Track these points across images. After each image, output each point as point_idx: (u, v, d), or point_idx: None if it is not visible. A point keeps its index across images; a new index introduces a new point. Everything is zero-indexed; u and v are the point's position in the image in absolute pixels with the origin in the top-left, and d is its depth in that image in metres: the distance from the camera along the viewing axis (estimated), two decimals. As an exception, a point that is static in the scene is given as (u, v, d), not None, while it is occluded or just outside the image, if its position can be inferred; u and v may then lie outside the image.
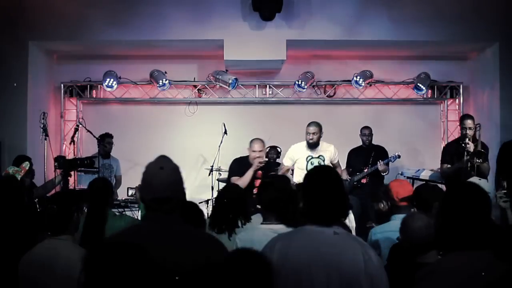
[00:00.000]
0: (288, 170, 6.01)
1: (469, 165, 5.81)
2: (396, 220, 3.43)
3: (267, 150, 7.80)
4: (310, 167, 5.68)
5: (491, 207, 2.09)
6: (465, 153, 5.89)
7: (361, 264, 2.18)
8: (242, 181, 5.23)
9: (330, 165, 5.82)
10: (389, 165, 7.34)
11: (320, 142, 5.94)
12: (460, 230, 2.00)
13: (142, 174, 2.21)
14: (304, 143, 5.96)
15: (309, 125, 5.90)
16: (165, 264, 2.03)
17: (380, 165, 6.99)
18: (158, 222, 2.16)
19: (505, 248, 2.34)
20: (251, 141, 5.52)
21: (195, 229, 2.24)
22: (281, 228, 2.89)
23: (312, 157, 5.86)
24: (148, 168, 2.20)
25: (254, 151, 5.41)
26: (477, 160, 5.73)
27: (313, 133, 5.84)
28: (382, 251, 3.29)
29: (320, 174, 2.40)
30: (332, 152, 5.98)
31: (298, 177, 5.75)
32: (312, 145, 5.88)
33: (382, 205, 3.90)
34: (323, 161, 5.84)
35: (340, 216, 2.36)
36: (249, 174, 5.31)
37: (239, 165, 5.51)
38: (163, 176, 2.16)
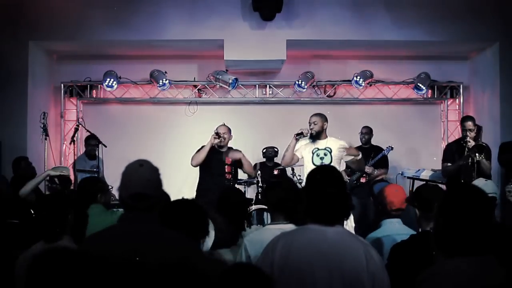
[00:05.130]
0: (292, 154, 5.59)
1: (469, 161, 5.78)
2: (387, 225, 3.42)
3: (264, 151, 7.84)
4: (316, 159, 5.47)
5: (493, 210, 2.06)
6: (466, 150, 5.88)
7: (363, 263, 2.19)
8: (198, 154, 5.90)
9: (337, 157, 5.48)
10: (388, 165, 7.35)
11: (329, 136, 5.58)
12: (461, 234, 1.95)
13: (121, 173, 2.21)
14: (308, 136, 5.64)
15: (311, 116, 5.60)
16: (139, 264, 2.04)
17: (368, 168, 7.01)
18: (134, 221, 2.15)
19: (507, 253, 2.32)
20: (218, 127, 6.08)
21: (171, 230, 2.24)
22: (290, 227, 2.87)
23: (318, 149, 5.48)
24: (128, 166, 2.22)
25: (218, 132, 5.95)
26: (478, 156, 5.69)
27: (313, 122, 5.48)
28: (384, 255, 3.25)
29: (323, 174, 2.41)
30: (341, 146, 5.52)
31: (306, 170, 5.51)
32: (315, 136, 5.49)
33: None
34: (330, 152, 5.45)
35: (342, 216, 2.35)
36: (206, 147, 5.89)
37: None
38: (142, 173, 2.17)
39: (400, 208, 3.44)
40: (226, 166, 5.91)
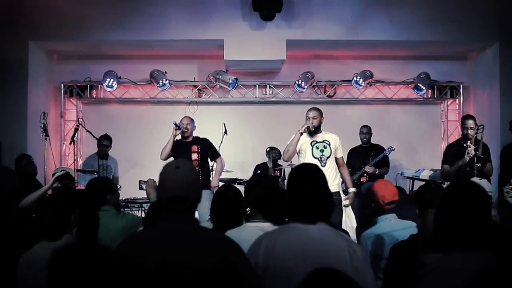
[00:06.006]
0: (295, 148, 5.62)
1: (468, 169, 5.81)
2: (383, 222, 3.43)
3: (268, 150, 7.84)
4: (316, 151, 5.54)
5: (491, 207, 2.08)
6: (466, 153, 5.88)
7: (347, 258, 2.22)
8: (164, 147, 6.26)
9: (335, 153, 5.60)
10: (389, 165, 7.35)
11: (323, 131, 5.68)
12: (460, 230, 1.98)
13: (159, 174, 2.22)
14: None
15: (308, 110, 5.67)
16: (180, 265, 2.03)
17: (368, 168, 7.03)
18: (172, 222, 2.16)
19: (506, 248, 2.33)
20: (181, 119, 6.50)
21: (210, 230, 2.24)
22: (268, 226, 2.90)
23: (317, 142, 5.57)
24: (165, 168, 2.22)
25: (175, 122, 6.37)
26: (477, 165, 5.72)
27: (313, 117, 5.54)
28: (384, 251, 3.26)
29: (304, 173, 2.44)
30: (336, 141, 5.66)
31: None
32: (313, 131, 5.57)
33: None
34: (329, 145, 5.56)
35: (323, 214, 2.36)
36: (170, 140, 6.28)
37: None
38: (179, 175, 2.17)
39: (392, 201, 3.45)
40: (192, 154, 6.27)
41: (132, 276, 2.03)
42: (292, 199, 2.36)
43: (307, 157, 5.53)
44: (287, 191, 2.41)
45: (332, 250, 2.23)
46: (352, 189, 5.70)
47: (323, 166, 5.46)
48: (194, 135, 6.48)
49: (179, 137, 6.36)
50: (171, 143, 6.26)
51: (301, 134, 5.55)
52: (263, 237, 2.37)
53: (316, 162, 5.45)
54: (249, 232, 2.82)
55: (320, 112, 5.64)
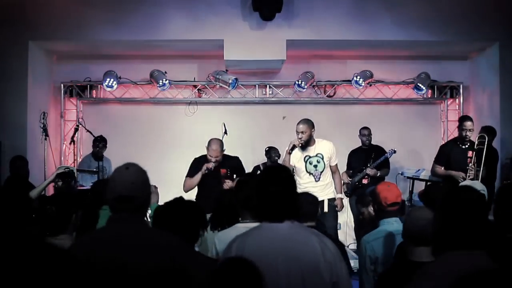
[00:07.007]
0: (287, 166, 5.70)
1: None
2: (385, 225, 3.42)
3: (267, 149, 7.83)
4: (309, 167, 5.54)
5: (488, 208, 2.11)
6: (467, 171, 5.91)
7: (319, 252, 2.26)
8: (191, 182, 5.55)
9: (328, 160, 5.58)
10: (389, 166, 7.35)
11: (316, 140, 5.60)
12: (458, 231, 2.00)
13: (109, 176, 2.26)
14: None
15: (297, 123, 5.58)
16: (127, 265, 2.05)
17: (370, 170, 7.03)
18: (120, 222, 2.18)
19: (499, 247, 2.35)
20: (209, 141, 5.59)
21: (158, 230, 2.27)
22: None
23: (310, 156, 5.53)
24: (115, 169, 2.28)
25: (212, 150, 5.49)
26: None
27: (302, 132, 5.46)
28: (383, 255, 3.26)
29: (268, 174, 2.50)
30: (330, 150, 5.60)
31: (299, 179, 5.57)
32: (304, 145, 5.51)
33: (367, 212, 3.92)
34: (322, 158, 5.52)
35: (289, 214, 2.38)
36: (197, 177, 5.54)
37: (197, 165, 5.61)
38: (127, 175, 2.21)
39: (395, 202, 3.44)
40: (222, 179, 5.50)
41: (81, 276, 2.04)
42: (259, 199, 2.40)
43: (302, 173, 5.56)
44: (255, 192, 2.45)
45: (303, 246, 2.28)
46: (339, 195, 5.73)
47: (317, 181, 5.48)
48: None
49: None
50: (199, 179, 5.52)
51: (290, 153, 5.50)
52: (234, 240, 2.41)
53: (311, 177, 5.52)
54: (239, 232, 2.85)
55: (309, 124, 5.54)
